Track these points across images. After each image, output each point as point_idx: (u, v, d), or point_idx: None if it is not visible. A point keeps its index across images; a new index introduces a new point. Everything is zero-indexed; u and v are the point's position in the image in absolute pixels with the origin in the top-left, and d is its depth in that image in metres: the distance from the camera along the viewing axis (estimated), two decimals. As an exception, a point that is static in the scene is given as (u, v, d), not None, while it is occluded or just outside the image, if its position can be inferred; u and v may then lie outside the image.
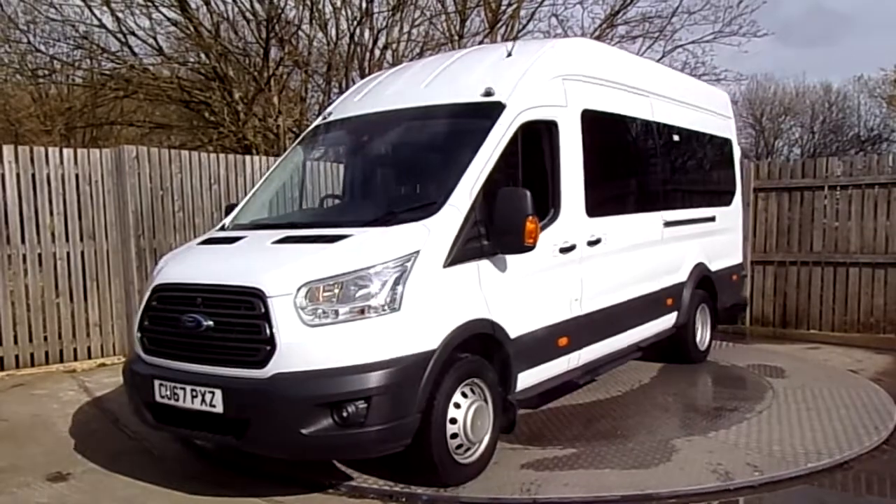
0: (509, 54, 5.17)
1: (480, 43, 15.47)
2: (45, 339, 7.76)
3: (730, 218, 8.34)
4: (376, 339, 3.89)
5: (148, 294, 4.49)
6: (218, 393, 3.95)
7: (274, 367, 3.83)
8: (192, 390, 4.05)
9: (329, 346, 3.85)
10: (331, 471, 4.52)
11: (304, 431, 3.77)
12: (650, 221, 6.49)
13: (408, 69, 6.18)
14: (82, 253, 8.06)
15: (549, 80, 5.15)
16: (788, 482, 4.43)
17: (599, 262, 5.49)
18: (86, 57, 14.72)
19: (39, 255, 7.69)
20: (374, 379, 3.81)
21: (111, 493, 4.43)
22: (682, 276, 7.07)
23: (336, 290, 3.90)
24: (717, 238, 7.90)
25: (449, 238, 4.18)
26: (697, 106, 7.65)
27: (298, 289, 3.89)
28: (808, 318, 9.62)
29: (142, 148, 8.64)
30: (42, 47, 14.40)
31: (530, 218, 4.27)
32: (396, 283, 3.93)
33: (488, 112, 4.68)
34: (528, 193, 4.31)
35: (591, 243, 5.36)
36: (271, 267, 4.08)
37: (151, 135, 16.66)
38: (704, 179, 7.97)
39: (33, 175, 7.63)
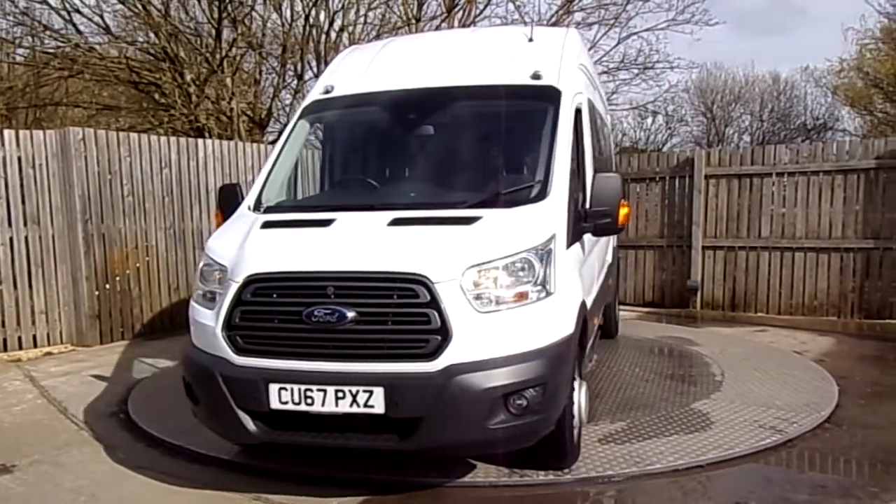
0: (531, 39, 5.21)
1: (438, 27, 15.40)
2: (-12, 327, 7.51)
3: None
4: (540, 324, 3.80)
5: (235, 287, 3.88)
6: (378, 392, 3.58)
7: (447, 358, 3.56)
8: (338, 391, 3.63)
9: (501, 332, 3.68)
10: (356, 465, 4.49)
11: (489, 424, 3.59)
12: None
13: (410, 44, 6.05)
14: (26, 238, 7.80)
15: (576, 67, 5.29)
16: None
17: (599, 246, 5.80)
18: (27, 34, 14.20)
19: (-20, 240, 7.42)
20: (549, 364, 3.73)
21: (59, 485, 4.31)
22: (610, 257, 7.47)
23: (497, 274, 3.74)
24: None
25: (565, 220, 4.15)
26: None
27: (464, 273, 3.66)
28: (756, 302, 9.91)
29: (88, 130, 8.40)
30: (-21, 24, 13.83)
31: (623, 201, 4.38)
32: (548, 265, 3.85)
33: (548, 96, 4.69)
34: (620, 177, 4.44)
35: None
36: (426, 250, 3.76)
37: (99, 116, 16.16)
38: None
39: (-28, 157, 7.35)
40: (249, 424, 3.83)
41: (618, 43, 18.16)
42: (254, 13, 14.89)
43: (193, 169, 9.30)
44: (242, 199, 4.84)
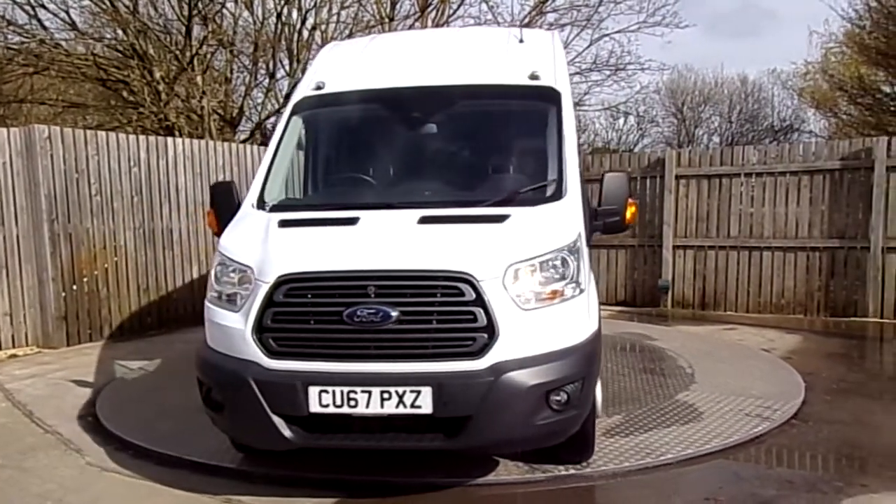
0: (521, 41, 5.23)
1: (411, 27, 15.37)
2: (-50, 329, 7.34)
3: None
4: (576, 320, 3.86)
5: (265, 288, 3.75)
6: (426, 391, 3.54)
7: (493, 356, 3.58)
8: (384, 392, 3.56)
9: (542, 329, 3.72)
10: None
11: (535, 421, 3.64)
12: None
13: (398, 41, 6.00)
14: (-10, 238, 7.64)
15: (565, 69, 5.29)
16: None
17: None
18: (-10, 30, 13.84)
19: (-59, 240, 7.24)
20: (585, 360, 3.82)
21: (24, 490, 4.23)
22: None
23: (536, 272, 3.78)
24: None
25: (582, 218, 4.20)
26: None
27: (505, 271, 3.68)
28: (725, 300, 10.07)
29: (54, 128, 8.24)
30: (-60, 18, 13.46)
31: (630, 200, 4.49)
32: (578, 262, 3.92)
33: (548, 96, 4.72)
34: (627, 176, 4.58)
35: None
36: (468, 249, 3.76)
37: (65, 114, 15.87)
38: None
39: (-67, 155, 7.17)
40: (285, 430, 3.70)
41: (590, 44, 18.36)
42: (225, 11, 14.75)
43: (163, 168, 9.17)
44: (237, 197, 4.70)
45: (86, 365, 7.23)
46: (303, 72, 15.09)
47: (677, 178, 10.30)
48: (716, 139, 32.19)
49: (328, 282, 3.72)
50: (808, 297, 9.60)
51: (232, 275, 4.00)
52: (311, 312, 3.70)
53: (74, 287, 8.14)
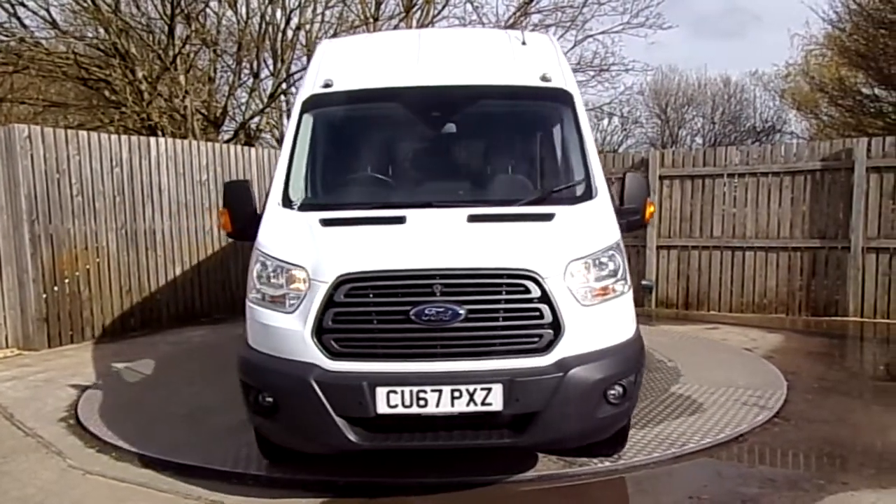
0: (524, 42, 5.24)
1: (396, 27, 15.36)
2: (-72, 331, 7.24)
3: None
4: (626, 315, 3.99)
5: (324, 289, 3.68)
6: (496, 389, 3.56)
7: (559, 352, 3.65)
8: (454, 391, 3.56)
9: (600, 324, 3.81)
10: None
11: (598, 415, 3.73)
12: None
13: (400, 40, 5.99)
14: (-32, 239, 7.54)
15: (571, 70, 5.32)
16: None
17: None
18: (-32, 28, 13.66)
19: (-81, 241, 7.14)
20: (638, 353, 3.95)
21: (5, 493, 4.18)
22: None
23: (592, 269, 3.87)
24: None
25: (614, 216, 4.30)
26: None
27: (566, 268, 3.76)
28: (708, 300, 10.15)
29: (35, 127, 8.15)
30: (-82, 16, 13.28)
31: (648, 199, 4.63)
32: (623, 260, 4.03)
33: (561, 97, 4.80)
34: (646, 177, 4.62)
35: None
36: (529, 246, 3.82)
37: (46, 114, 15.68)
38: None
39: (-90, 155, 7.07)
40: (349, 432, 3.64)
41: (574, 45, 18.37)
42: (208, 10, 14.68)
43: (146, 168, 9.10)
44: (252, 197, 4.60)
45: (67, 367, 7.15)
46: (287, 72, 15.09)
47: (661, 178, 10.37)
48: (699, 140, 32.41)
49: (393, 280, 3.68)
50: (789, 297, 9.70)
51: (276, 274, 3.92)
52: (374, 312, 3.66)
53: (56, 288, 8.06)
